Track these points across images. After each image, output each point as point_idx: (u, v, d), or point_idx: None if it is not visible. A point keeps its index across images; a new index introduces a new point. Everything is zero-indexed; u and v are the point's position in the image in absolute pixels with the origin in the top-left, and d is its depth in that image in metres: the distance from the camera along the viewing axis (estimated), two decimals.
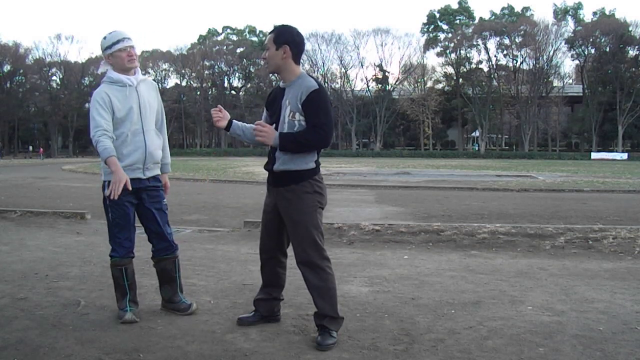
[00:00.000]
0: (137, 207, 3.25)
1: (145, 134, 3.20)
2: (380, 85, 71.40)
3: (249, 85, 77.04)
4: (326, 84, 71.42)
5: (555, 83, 66.78)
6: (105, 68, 3.23)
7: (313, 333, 2.95)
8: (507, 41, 66.34)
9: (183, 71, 73.96)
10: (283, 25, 2.95)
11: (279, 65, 2.90)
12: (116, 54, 3.14)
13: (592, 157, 54.89)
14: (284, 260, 3.13)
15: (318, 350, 2.74)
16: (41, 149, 61.46)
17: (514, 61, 67.61)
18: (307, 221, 2.87)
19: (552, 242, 5.80)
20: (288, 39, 2.87)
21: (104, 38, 3.16)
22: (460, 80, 70.19)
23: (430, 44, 70.72)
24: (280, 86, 2.99)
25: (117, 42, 3.12)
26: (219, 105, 3.11)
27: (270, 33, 2.93)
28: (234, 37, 79.29)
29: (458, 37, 67.61)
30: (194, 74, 74.00)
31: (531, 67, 65.46)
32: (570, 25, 66.58)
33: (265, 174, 3.09)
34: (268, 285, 3.14)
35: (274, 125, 2.93)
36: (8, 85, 68.58)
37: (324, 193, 2.97)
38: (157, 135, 3.29)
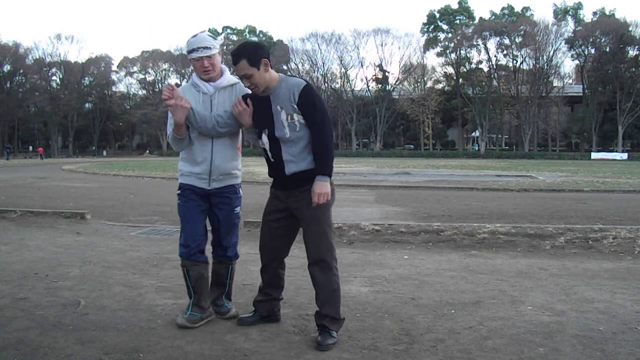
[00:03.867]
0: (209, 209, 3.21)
1: (213, 145, 3.07)
2: (380, 85, 71.44)
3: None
4: (326, 84, 71.53)
5: (555, 83, 66.81)
6: None
7: (313, 333, 2.95)
8: (507, 41, 66.38)
9: (183, 71, 73.94)
10: (243, 46, 2.84)
11: (267, 80, 2.83)
12: (192, 61, 3.03)
13: (592, 157, 54.91)
14: (285, 261, 3.15)
15: (318, 350, 2.74)
16: (40, 149, 61.12)
17: (514, 61, 67.65)
18: (322, 220, 2.90)
19: (552, 242, 5.80)
20: (259, 53, 2.79)
21: (187, 40, 3.02)
22: (460, 80, 70.24)
23: (430, 44, 70.77)
24: (261, 95, 2.89)
25: (193, 50, 2.97)
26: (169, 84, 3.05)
27: (237, 62, 2.79)
28: (234, 37, 79.30)
29: (458, 37, 67.63)
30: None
31: (531, 67, 65.48)
32: (570, 25, 66.67)
33: (264, 175, 3.09)
34: (268, 286, 3.14)
35: (266, 130, 2.88)
36: (8, 85, 68.61)
37: (334, 189, 2.99)
38: (229, 147, 3.12)
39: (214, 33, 79.48)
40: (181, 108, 2.93)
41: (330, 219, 2.96)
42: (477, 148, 69.88)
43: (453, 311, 3.43)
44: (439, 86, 72.61)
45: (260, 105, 2.92)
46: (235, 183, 3.22)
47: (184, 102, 2.94)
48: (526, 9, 70.96)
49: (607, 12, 66.63)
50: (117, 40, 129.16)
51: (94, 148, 73.63)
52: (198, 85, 3.05)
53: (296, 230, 3.09)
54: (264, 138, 2.94)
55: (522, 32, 64.78)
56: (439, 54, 71.14)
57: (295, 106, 2.80)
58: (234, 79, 3.11)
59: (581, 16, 67.54)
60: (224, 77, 3.08)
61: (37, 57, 70.45)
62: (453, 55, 69.70)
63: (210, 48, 2.97)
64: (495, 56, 68.14)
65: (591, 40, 62.45)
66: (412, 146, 72.48)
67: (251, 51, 2.80)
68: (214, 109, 3.03)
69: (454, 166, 32.55)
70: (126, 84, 77.64)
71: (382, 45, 70.64)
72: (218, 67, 3.03)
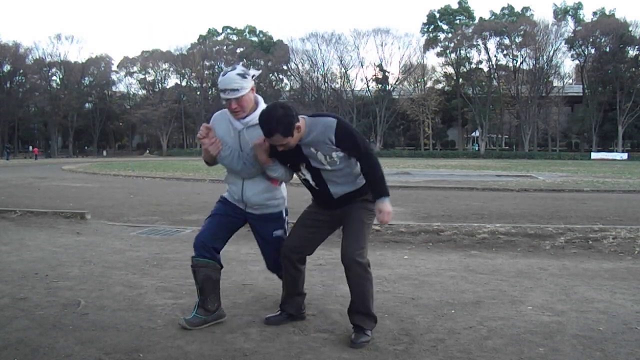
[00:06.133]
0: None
1: (244, 180, 3.07)
2: (380, 85, 71.41)
3: None
4: (326, 84, 71.53)
5: (555, 83, 66.73)
6: None
7: (313, 333, 2.96)
8: (507, 41, 66.33)
9: (183, 71, 73.97)
10: (273, 120, 2.67)
11: (299, 137, 2.80)
12: (223, 100, 2.91)
13: (592, 157, 54.87)
14: (306, 257, 3.19)
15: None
16: (35, 149, 60.49)
17: (514, 61, 67.61)
18: (365, 223, 2.96)
19: (552, 242, 5.80)
20: (291, 121, 2.69)
21: (219, 78, 2.89)
22: (460, 80, 70.21)
23: (430, 44, 70.73)
24: None
25: (222, 91, 2.86)
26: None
27: (270, 136, 2.72)
28: (234, 37, 79.33)
29: (458, 37, 67.59)
30: (194, 74, 74.02)
31: (531, 67, 65.42)
32: (570, 25, 66.59)
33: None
34: (291, 285, 3.15)
35: (303, 164, 2.89)
36: (8, 85, 68.59)
37: None
38: (261, 180, 3.05)
39: (214, 33, 79.93)
40: (214, 148, 2.95)
41: (370, 227, 3.03)
42: (477, 148, 69.83)
43: (453, 311, 3.43)
44: (439, 86, 72.58)
45: (289, 150, 2.83)
46: (274, 212, 3.16)
47: (217, 144, 2.95)
48: (526, 9, 70.93)
49: (607, 12, 66.57)
50: (117, 40, 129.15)
51: (86, 148, 73.59)
52: (230, 119, 2.97)
53: (330, 232, 3.16)
54: (303, 170, 2.93)
55: (522, 32, 64.73)
56: (439, 54, 71.13)
57: (334, 146, 2.78)
58: None
59: (581, 16, 67.50)
60: (256, 113, 2.88)
61: (37, 57, 70.43)
62: (453, 55, 69.68)
63: (238, 90, 2.82)
64: (495, 56, 68.15)
65: (591, 40, 62.40)
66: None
67: (284, 124, 2.68)
68: (243, 146, 2.96)
69: (454, 166, 32.54)
70: (126, 84, 77.71)
71: (382, 45, 70.61)
72: (248, 107, 2.90)
